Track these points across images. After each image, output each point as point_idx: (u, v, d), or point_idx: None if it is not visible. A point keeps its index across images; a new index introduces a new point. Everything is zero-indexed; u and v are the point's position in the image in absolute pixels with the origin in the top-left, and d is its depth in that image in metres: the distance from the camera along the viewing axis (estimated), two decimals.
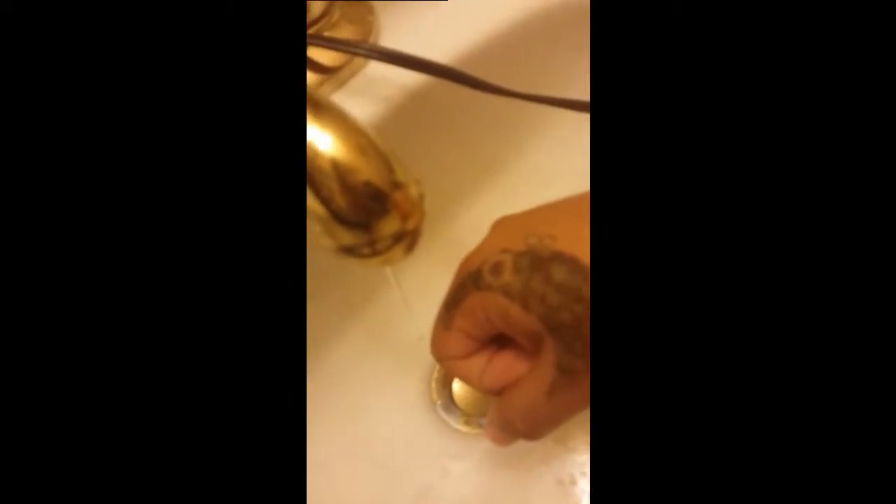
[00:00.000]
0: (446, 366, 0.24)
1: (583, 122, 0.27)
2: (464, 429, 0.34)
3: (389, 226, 0.16)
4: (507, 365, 0.23)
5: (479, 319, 0.22)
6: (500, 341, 0.23)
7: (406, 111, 0.30)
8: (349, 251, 0.17)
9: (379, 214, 0.16)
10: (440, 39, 0.30)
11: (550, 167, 0.38)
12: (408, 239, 0.17)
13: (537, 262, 0.19)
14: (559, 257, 0.19)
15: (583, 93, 0.27)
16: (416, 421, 0.35)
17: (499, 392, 0.23)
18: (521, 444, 0.34)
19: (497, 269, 0.20)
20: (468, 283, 0.22)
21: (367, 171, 0.16)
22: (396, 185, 0.16)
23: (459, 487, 0.33)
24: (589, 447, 0.34)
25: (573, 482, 0.33)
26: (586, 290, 0.18)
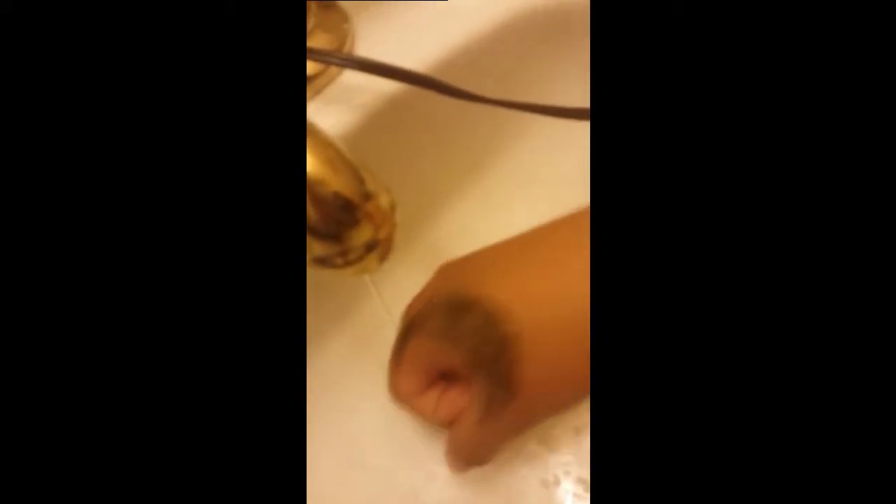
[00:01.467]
0: (402, 406, 0.27)
1: (562, 127, 0.28)
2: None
3: (360, 236, 0.17)
4: (455, 398, 0.25)
5: (425, 360, 0.24)
6: (450, 377, 0.25)
7: (383, 119, 0.30)
8: (322, 262, 0.17)
9: (349, 225, 0.16)
10: (416, 47, 0.30)
11: (529, 173, 0.38)
12: (380, 248, 0.17)
13: (455, 309, 0.22)
14: (476, 302, 0.21)
15: (563, 99, 0.28)
16: (401, 425, 0.35)
17: (451, 424, 0.25)
18: (506, 447, 0.34)
19: (430, 313, 0.23)
20: (410, 327, 0.24)
21: (336, 183, 0.16)
22: (366, 196, 0.16)
23: (445, 491, 0.33)
24: (572, 449, 0.34)
25: (557, 483, 0.33)
26: (501, 329, 0.20)
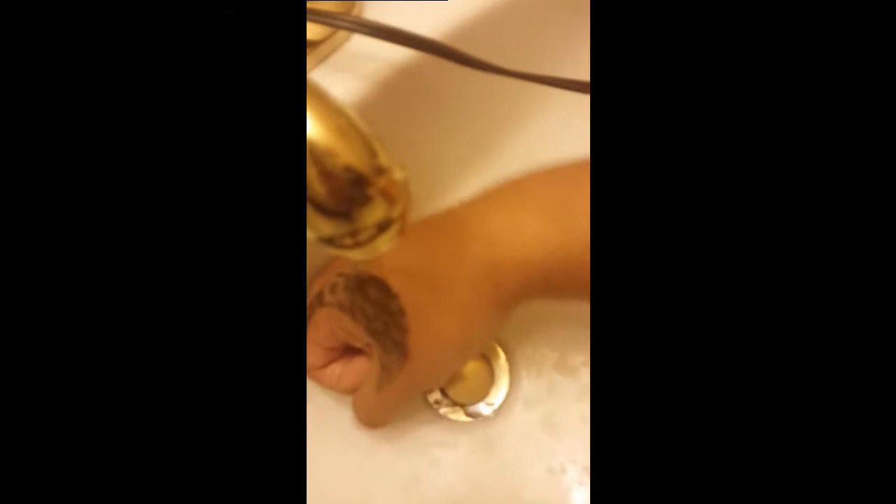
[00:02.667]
0: (309, 377, 0.30)
1: (578, 102, 0.26)
2: (453, 417, 0.34)
3: (372, 214, 0.15)
4: (358, 368, 0.29)
5: (326, 331, 0.27)
6: (354, 350, 0.29)
7: (392, 89, 0.28)
8: (330, 242, 0.16)
9: (361, 202, 0.15)
10: (429, 12, 0.29)
11: (543, 149, 0.37)
12: (392, 228, 0.16)
13: (359, 283, 0.25)
14: (373, 280, 0.24)
15: (578, 72, 0.26)
16: (405, 410, 0.34)
17: (354, 391, 0.30)
18: (512, 434, 0.33)
19: (334, 289, 0.26)
20: (315, 301, 0.27)
21: (347, 155, 0.14)
22: (379, 170, 0.15)
23: (449, 477, 0.33)
24: (579, 437, 0.33)
25: (563, 471, 0.33)
26: (393, 305, 0.24)
